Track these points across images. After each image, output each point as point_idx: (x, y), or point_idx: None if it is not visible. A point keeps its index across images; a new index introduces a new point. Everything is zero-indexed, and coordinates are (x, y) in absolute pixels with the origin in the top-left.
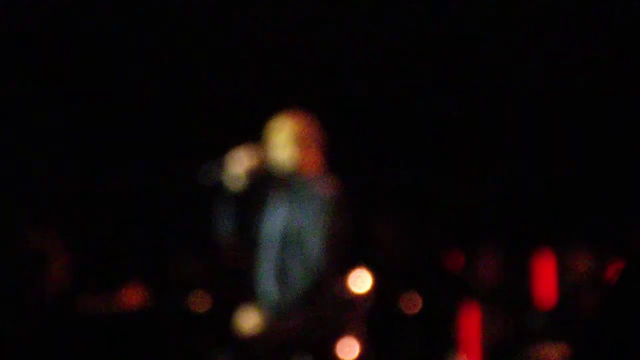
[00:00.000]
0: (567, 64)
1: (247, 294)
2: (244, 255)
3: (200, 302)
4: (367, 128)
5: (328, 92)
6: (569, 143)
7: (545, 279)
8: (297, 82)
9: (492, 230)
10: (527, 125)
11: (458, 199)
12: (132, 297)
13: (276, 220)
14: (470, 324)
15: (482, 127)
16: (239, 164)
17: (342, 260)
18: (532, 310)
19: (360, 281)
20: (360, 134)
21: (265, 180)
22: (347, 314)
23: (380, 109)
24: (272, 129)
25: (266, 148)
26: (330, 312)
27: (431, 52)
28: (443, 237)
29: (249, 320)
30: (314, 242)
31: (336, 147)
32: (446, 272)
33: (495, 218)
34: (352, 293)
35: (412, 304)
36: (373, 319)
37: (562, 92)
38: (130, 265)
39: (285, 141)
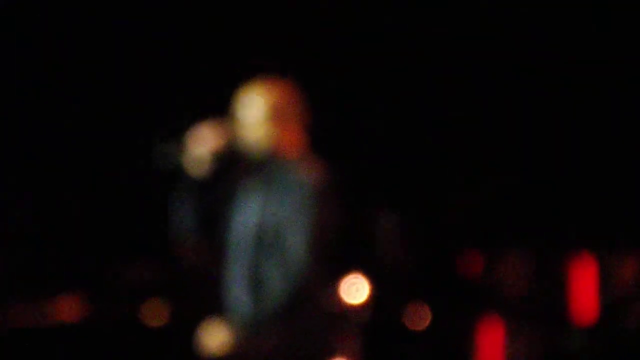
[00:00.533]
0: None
1: (213, 305)
2: (209, 257)
3: (154, 314)
4: (365, 102)
5: (316, 55)
6: (613, 126)
7: (583, 289)
8: (278, 45)
9: (519, 229)
10: (561, 107)
11: (476, 189)
12: (68, 307)
13: (249, 213)
14: (491, 344)
15: (502, 107)
16: (201, 144)
17: (331, 264)
18: (567, 327)
19: (355, 289)
20: (355, 108)
21: (234, 164)
22: (338, 330)
23: (381, 81)
24: (242, 101)
25: (236, 124)
26: (316, 327)
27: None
28: (457, 236)
29: (215, 338)
30: (296, 241)
31: (324, 124)
32: (461, 279)
33: (522, 213)
34: (345, 304)
35: (419, 318)
36: (371, 337)
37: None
38: (65, 269)
39: (258, 116)
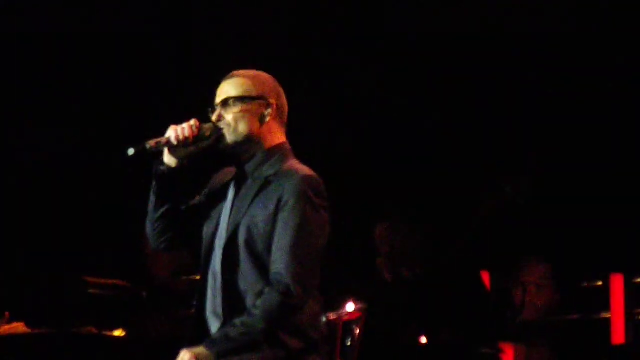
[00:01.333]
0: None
1: (188, 329)
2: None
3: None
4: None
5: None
6: None
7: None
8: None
9: (541, 243)
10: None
11: (488, 192)
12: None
13: (222, 216)
14: None
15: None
16: (173, 132)
17: (320, 284)
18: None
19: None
20: (350, 98)
21: (209, 157)
22: None
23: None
24: (218, 90)
25: (214, 115)
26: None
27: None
28: (462, 251)
29: None
30: (279, 253)
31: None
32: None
33: (543, 224)
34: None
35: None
36: None
37: None
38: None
39: (229, 94)
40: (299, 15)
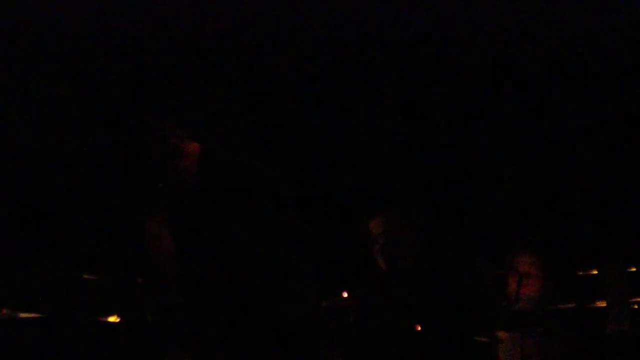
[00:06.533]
0: None
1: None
2: None
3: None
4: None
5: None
6: None
7: None
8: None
9: (532, 232)
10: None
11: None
12: None
13: None
14: None
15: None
16: None
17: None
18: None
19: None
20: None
21: None
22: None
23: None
24: None
25: None
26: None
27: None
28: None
29: None
30: None
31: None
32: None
33: (537, 212)
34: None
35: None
36: None
37: None
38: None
39: None
40: None
